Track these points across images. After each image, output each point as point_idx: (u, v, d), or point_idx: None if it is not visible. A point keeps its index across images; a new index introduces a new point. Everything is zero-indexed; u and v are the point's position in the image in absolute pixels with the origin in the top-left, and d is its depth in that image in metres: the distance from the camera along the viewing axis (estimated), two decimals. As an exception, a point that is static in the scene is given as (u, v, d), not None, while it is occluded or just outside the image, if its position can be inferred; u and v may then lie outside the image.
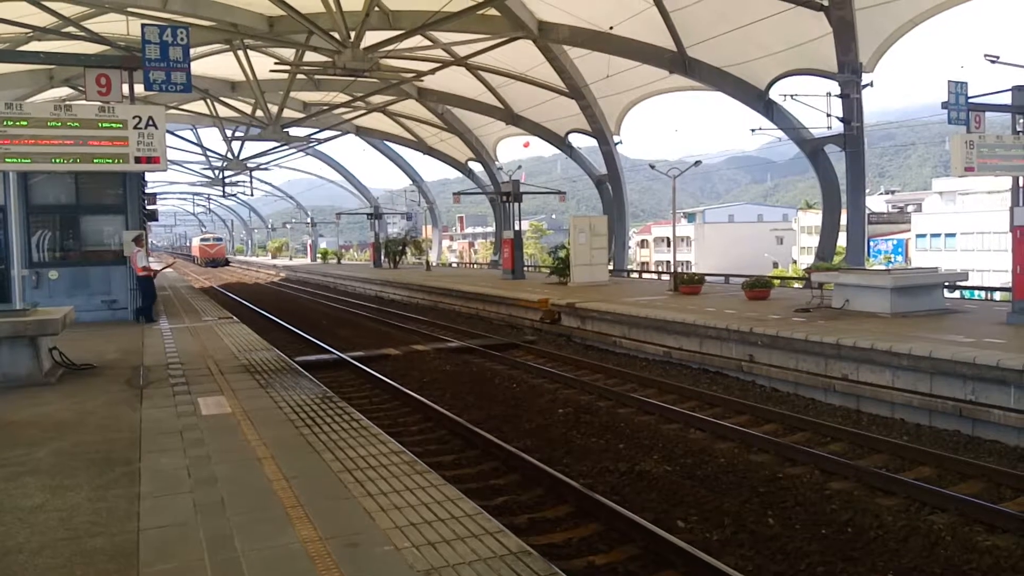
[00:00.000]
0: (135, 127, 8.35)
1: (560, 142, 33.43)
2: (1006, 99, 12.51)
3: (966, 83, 12.06)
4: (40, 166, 8.74)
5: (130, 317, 16.38)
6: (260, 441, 6.58)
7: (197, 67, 26.17)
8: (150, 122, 8.39)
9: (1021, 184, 12.30)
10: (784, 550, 5.85)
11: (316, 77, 30.04)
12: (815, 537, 6.09)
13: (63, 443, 6.66)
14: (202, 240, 77.89)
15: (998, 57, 14.57)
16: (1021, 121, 12.36)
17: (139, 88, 9.26)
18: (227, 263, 72.98)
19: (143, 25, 8.68)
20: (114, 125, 8.33)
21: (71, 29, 20.28)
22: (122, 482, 5.57)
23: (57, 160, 8.32)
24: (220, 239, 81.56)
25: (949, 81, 12.04)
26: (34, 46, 21.45)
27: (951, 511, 6.49)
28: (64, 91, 28.17)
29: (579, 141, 33.24)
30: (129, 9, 20.18)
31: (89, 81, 8.59)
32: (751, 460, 8.09)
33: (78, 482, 5.60)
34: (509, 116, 33.17)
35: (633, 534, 6.00)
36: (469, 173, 43.72)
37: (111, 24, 21.81)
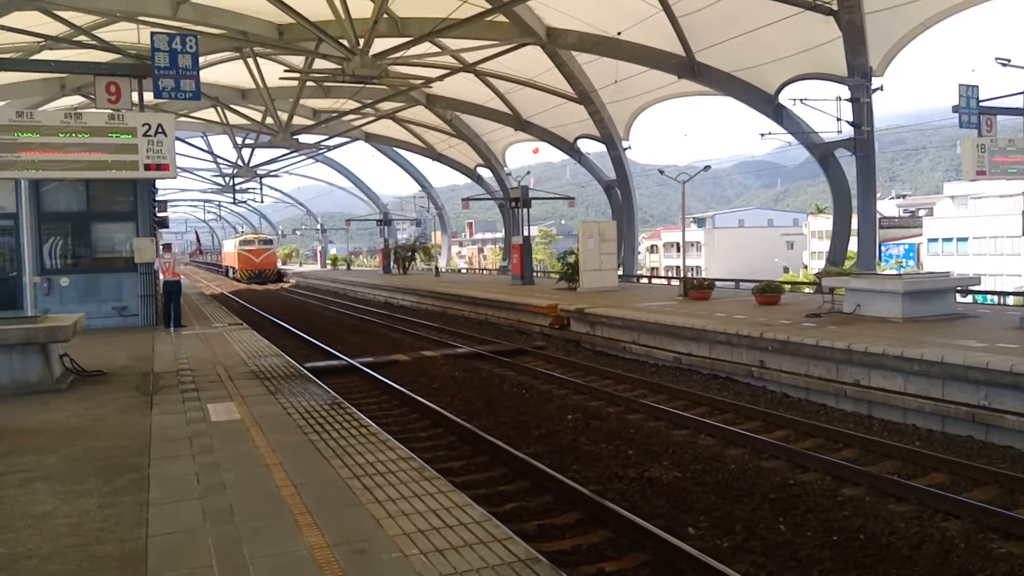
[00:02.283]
0: (144, 135, 8.39)
1: (569, 147, 33.44)
2: (1017, 102, 12.46)
3: (977, 86, 12.00)
4: (50, 174, 8.80)
5: (141, 324, 16.48)
6: (269, 447, 6.59)
7: (207, 75, 26.38)
8: (159, 130, 8.43)
9: (1033, 187, 12.24)
10: (795, 557, 5.80)
11: (325, 84, 30.24)
12: (827, 544, 6.03)
13: (73, 449, 6.69)
14: (242, 244, 52.80)
15: (1009, 60, 14.49)
16: (1033, 124, 12.29)
17: (149, 96, 9.32)
18: (281, 277, 52.71)
19: (152, 33, 8.77)
20: (123, 133, 8.38)
21: (82, 38, 20.45)
22: (131, 488, 5.59)
23: (67, 168, 8.36)
24: (270, 242, 55.68)
25: (960, 85, 11.99)
26: (46, 55, 21.61)
27: (964, 518, 6.41)
28: (76, 99, 28.44)
29: (588, 146, 33.27)
30: (140, 18, 20.33)
31: (99, 89, 8.66)
32: (762, 466, 8.03)
33: (88, 488, 5.62)
34: (517, 122, 33.22)
35: (643, 541, 5.96)
36: (478, 179, 43.81)
37: (122, 33, 21.98)
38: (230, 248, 57.71)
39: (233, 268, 53.92)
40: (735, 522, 6.47)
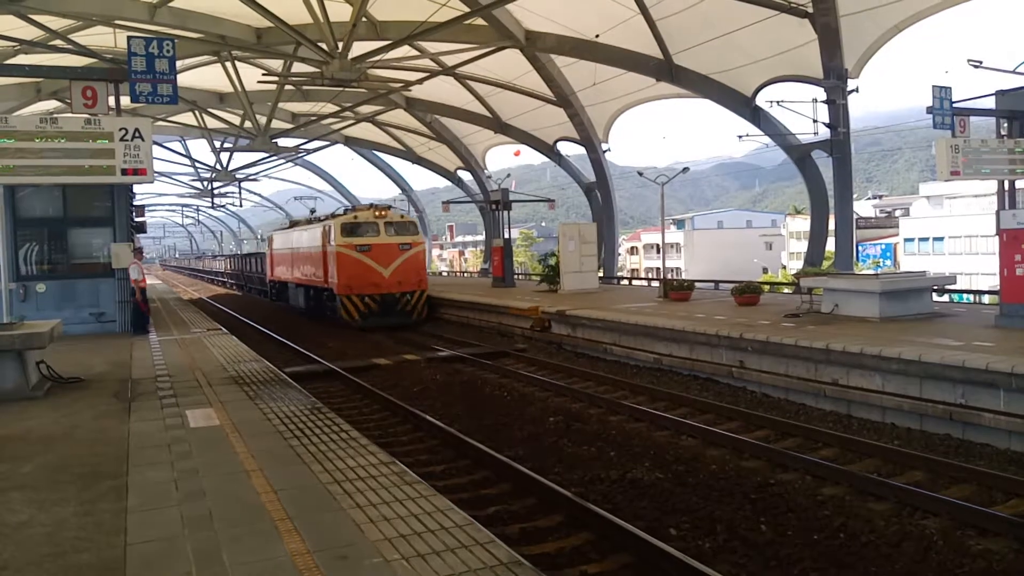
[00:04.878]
0: (121, 139, 8.30)
1: (549, 150, 33.47)
2: (990, 103, 12.62)
3: (950, 88, 12.15)
4: (26, 179, 8.69)
5: (118, 330, 16.28)
6: (248, 453, 6.53)
7: (185, 79, 26.18)
8: (136, 134, 8.34)
9: (1007, 187, 12.41)
10: (777, 557, 5.84)
11: (304, 88, 30.01)
12: (807, 543, 6.08)
13: (50, 457, 6.60)
14: (345, 234, 22.06)
15: (981, 62, 14.67)
16: (1004, 125, 12.47)
17: (126, 100, 9.22)
18: (429, 304, 23.65)
19: (129, 37, 8.67)
20: (100, 138, 8.29)
21: (58, 42, 20.22)
22: (109, 496, 5.52)
23: (43, 171, 8.24)
24: (413, 227, 24.07)
25: (933, 86, 12.13)
26: (21, 59, 21.37)
27: (943, 515, 6.49)
28: (52, 104, 28.08)
29: (568, 149, 33.36)
30: (117, 22, 20.15)
31: (75, 94, 8.57)
32: (743, 466, 8.08)
33: (65, 497, 5.54)
34: (497, 125, 33.22)
35: (625, 543, 5.98)
36: (458, 182, 43.74)
37: (98, 37, 21.76)
38: (302, 242, 26.78)
39: (314, 287, 25.12)
40: (716, 522, 6.51)
